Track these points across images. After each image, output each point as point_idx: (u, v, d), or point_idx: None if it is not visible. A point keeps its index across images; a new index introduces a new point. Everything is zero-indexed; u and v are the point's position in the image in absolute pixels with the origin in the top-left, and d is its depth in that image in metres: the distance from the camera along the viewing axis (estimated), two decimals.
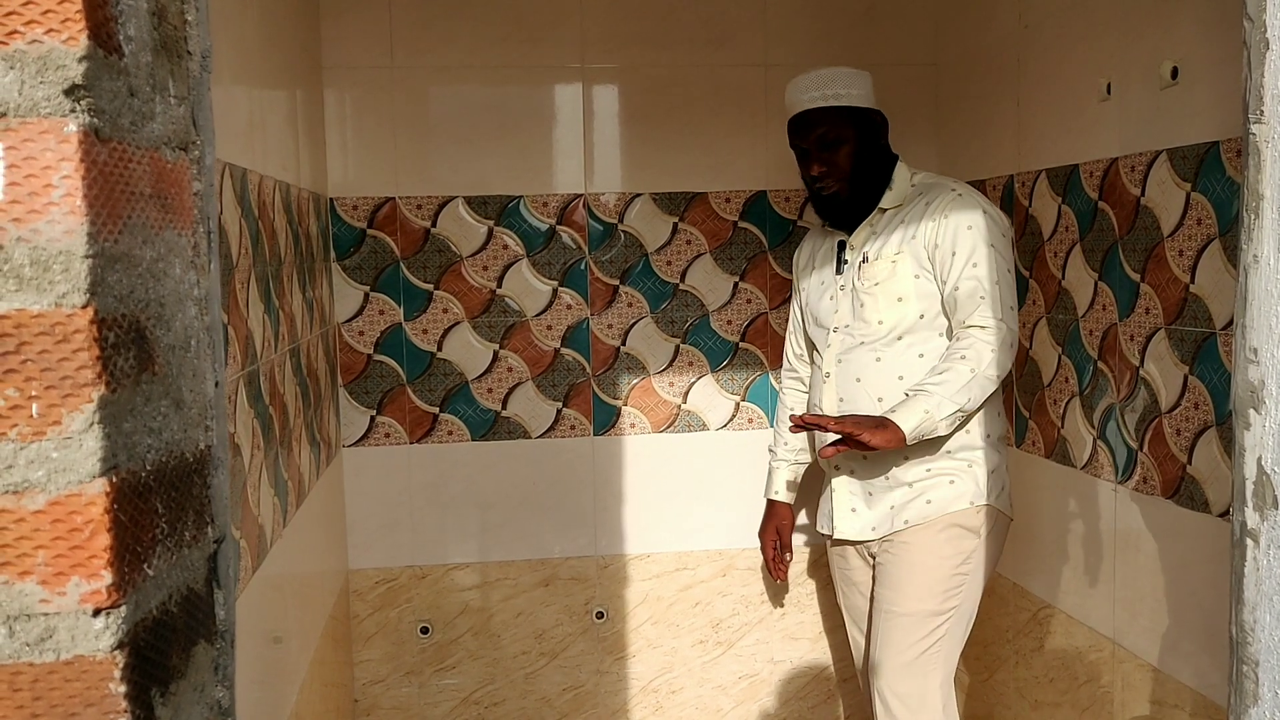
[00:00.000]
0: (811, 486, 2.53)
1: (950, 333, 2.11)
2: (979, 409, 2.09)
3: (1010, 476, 2.26)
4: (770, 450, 2.50)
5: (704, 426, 2.82)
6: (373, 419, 2.70)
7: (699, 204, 2.76)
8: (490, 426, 2.75)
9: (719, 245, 2.78)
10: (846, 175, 2.15)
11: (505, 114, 2.68)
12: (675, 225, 2.76)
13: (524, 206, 2.70)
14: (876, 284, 2.14)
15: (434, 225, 2.68)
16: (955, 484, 2.12)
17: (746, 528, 2.69)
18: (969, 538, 2.13)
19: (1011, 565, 2.48)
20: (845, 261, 2.22)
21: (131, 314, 0.58)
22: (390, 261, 2.67)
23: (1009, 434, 2.52)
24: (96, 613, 0.55)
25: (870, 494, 2.19)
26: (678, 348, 2.80)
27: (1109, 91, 2.10)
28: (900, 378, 2.11)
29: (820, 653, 2.91)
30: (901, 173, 2.20)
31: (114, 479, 0.55)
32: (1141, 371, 2.03)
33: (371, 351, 2.69)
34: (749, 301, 2.80)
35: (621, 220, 2.74)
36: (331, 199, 2.63)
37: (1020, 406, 2.50)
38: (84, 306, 0.54)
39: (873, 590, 2.25)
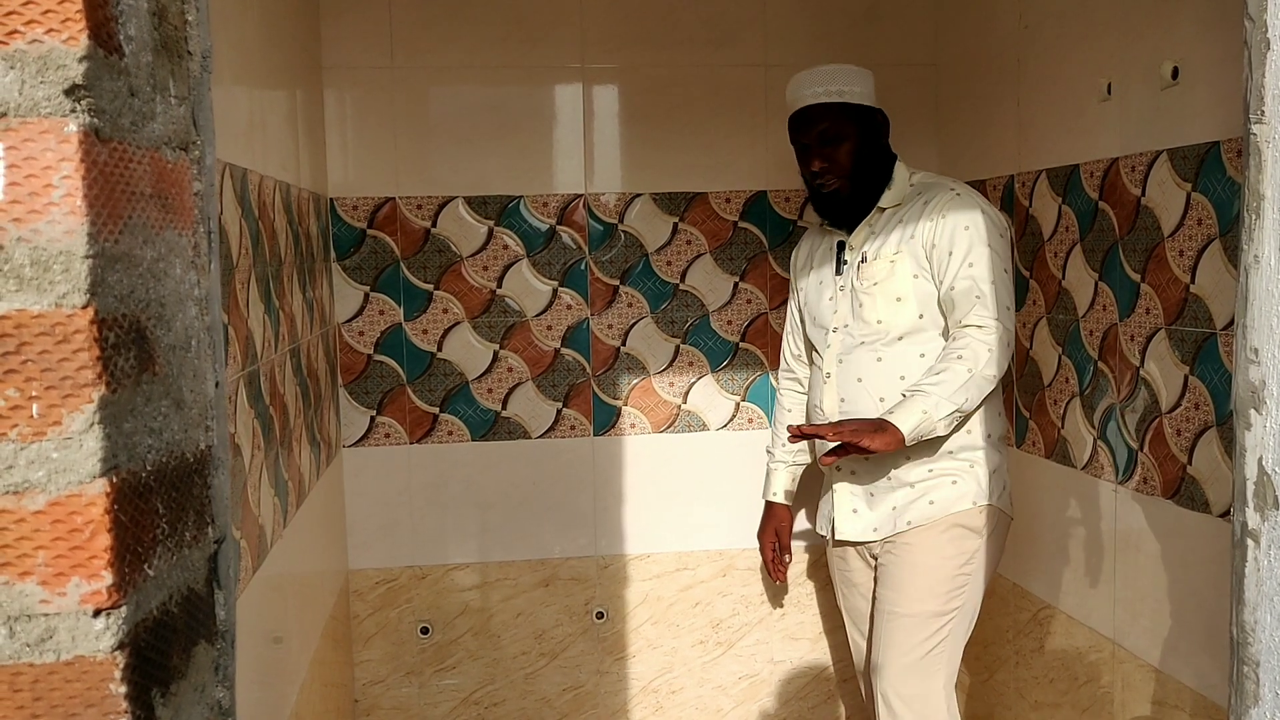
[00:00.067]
0: (811, 488, 2.53)
1: (949, 333, 2.11)
2: (977, 409, 2.09)
3: (1010, 477, 2.26)
4: (768, 452, 2.50)
5: (704, 427, 2.82)
6: (373, 419, 2.70)
7: (699, 204, 2.76)
8: (490, 427, 2.75)
9: (719, 245, 2.78)
10: (847, 172, 2.14)
11: (505, 114, 2.68)
12: (675, 225, 2.76)
13: (524, 206, 2.70)
14: (875, 284, 2.13)
15: (434, 225, 2.68)
16: (958, 484, 2.12)
17: (746, 528, 2.69)
18: (972, 538, 2.13)
19: (1012, 565, 2.48)
20: (844, 261, 2.22)
21: (132, 314, 0.58)
22: (390, 261, 2.67)
23: (1009, 434, 2.52)
24: (97, 613, 0.55)
25: (872, 495, 2.19)
26: (678, 348, 2.79)
27: (1109, 91, 2.10)
28: (902, 377, 2.11)
29: (820, 653, 2.91)
30: (900, 172, 2.20)
31: (114, 479, 0.55)
32: (1142, 372, 2.03)
33: (372, 352, 2.69)
34: (749, 302, 2.80)
35: (622, 220, 2.74)
36: (332, 199, 2.63)
37: (1020, 407, 2.50)
38: (84, 307, 0.54)
39: (874, 591, 2.25)
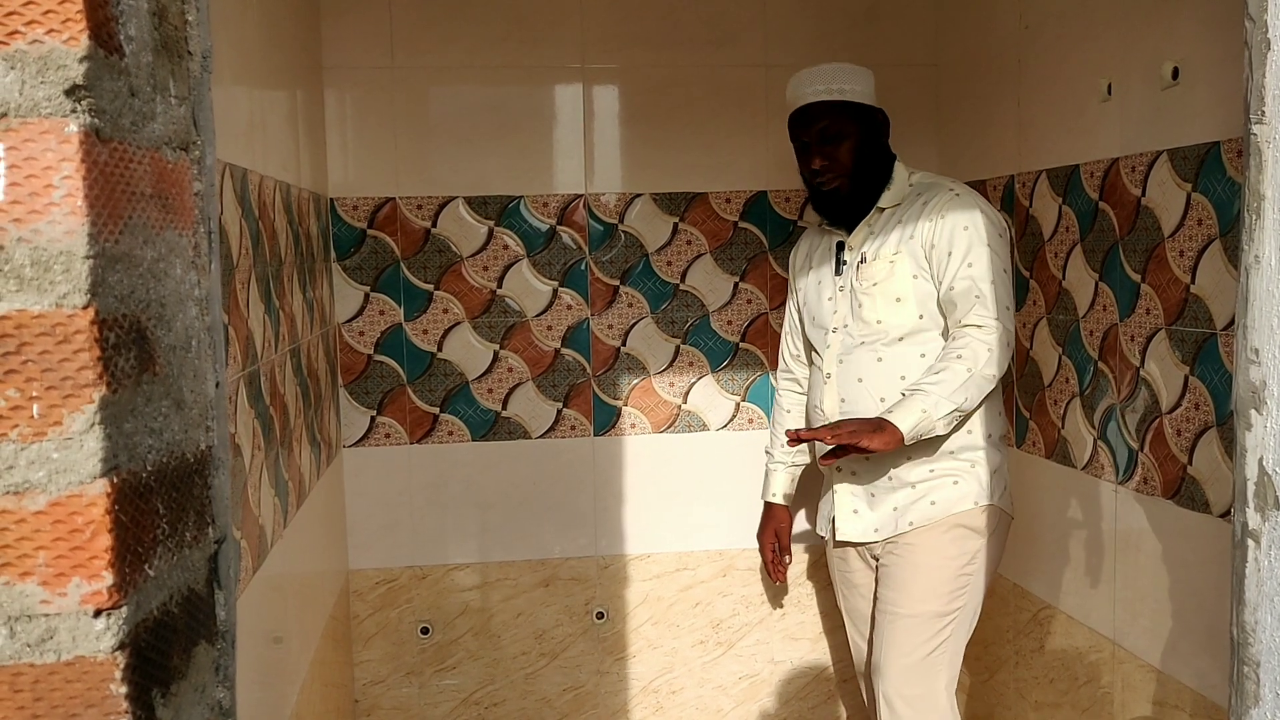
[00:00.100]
0: (810, 488, 2.53)
1: (949, 333, 2.11)
2: (977, 408, 2.09)
3: (1011, 477, 2.26)
4: (767, 452, 2.49)
5: (704, 427, 2.82)
6: (373, 419, 2.70)
7: (699, 204, 2.76)
8: (490, 427, 2.75)
9: (719, 245, 2.78)
10: (847, 171, 2.14)
11: (505, 114, 2.68)
12: (675, 225, 2.76)
13: (524, 207, 2.70)
14: (875, 284, 2.13)
15: (434, 225, 2.68)
16: (959, 484, 2.12)
17: (747, 528, 2.69)
18: (974, 538, 2.12)
19: (1012, 566, 2.48)
20: (844, 262, 2.21)
21: (132, 314, 0.58)
22: (390, 262, 2.67)
23: (1009, 434, 2.52)
24: (97, 613, 0.55)
25: (873, 495, 2.19)
26: (678, 348, 2.79)
27: (1110, 92, 2.10)
28: (902, 378, 2.10)
29: (821, 653, 2.91)
30: (899, 172, 2.20)
31: (115, 480, 0.55)
32: (1142, 372, 2.03)
33: (372, 352, 2.69)
34: (749, 302, 2.80)
35: (622, 220, 2.74)
36: (332, 199, 2.63)
37: (1021, 407, 2.50)
38: (85, 307, 0.54)
39: (875, 592, 2.24)
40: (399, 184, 2.65)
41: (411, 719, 2.77)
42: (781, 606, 2.89)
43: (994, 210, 2.13)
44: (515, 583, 2.78)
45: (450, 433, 2.73)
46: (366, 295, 2.67)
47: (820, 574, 2.84)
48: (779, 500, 2.46)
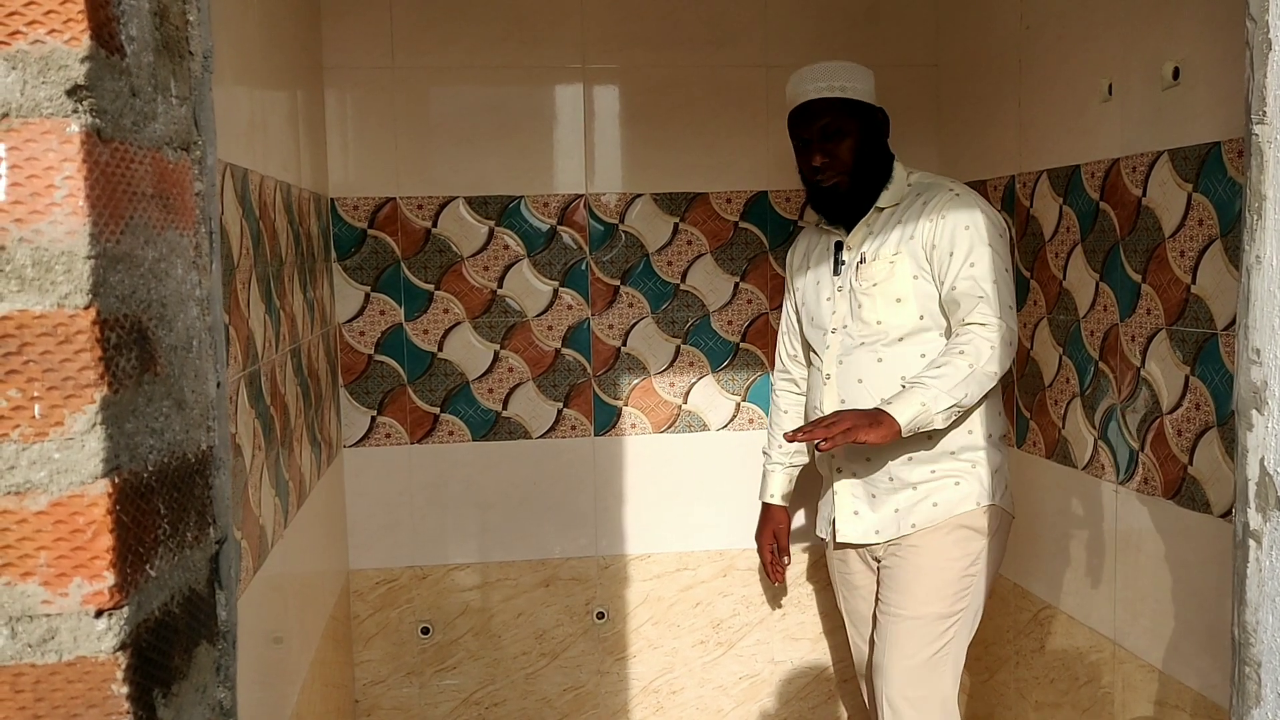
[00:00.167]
0: (810, 488, 2.53)
1: (950, 333, 2.10)
2: (976, 406, 2.09)
3: (1011, 477, 2.26)
4: (765, 453, 2.49)
5: (705, 427, 2.82)
6: (373, 419, 2.70)
7: (700, 204, 2.76)
8: (491, 427, 2.75)
9: (720, 245, 2.78)
10: (848, 168, 2.13)
11: (506, 114, 2.68)
12: (676, 225, 2.76)
13: (525, 207, 2.70)
14: (875, 284, 2.13)
15: (435, 225, 2.68)
16: (960, 485, 2.12)
17: (747, 528, 2.69)
18: (976, 539, 2.12)
19: (1012, 566, 2.47)
20: (842, 262, 2.21)
21: (133, 314, 0.58)
22: (391, 262, 2.67)
23: (1010, 434, 2.52)
24: (99, 614, 0.55)
25: (874, 496, 2.18)
26: (678, 348, 2.79)
27: (1110, 92, 2.10)
28: (902, 378, 2.10)
29: (821, 653, 2.91)
30: (899, 172, 2.19)
31: (116, 480, 0.55)
32: (1143, 372, 2.03)
33: (372, 352, 2.69)
34: (749, 302, 2.80)
35: (622, 220, 2.74)
36: (332, 199, 2.63)
37: (1021, 407, 2.50)
38: (86, 307, 0.54)
39: (876, 593, 2.24)
40: (399, 184, 2.65)
41: (412, 719, 2.77)
42: (782, 607, 2.89)
43: (993, 210, 2.13)
44: (516, 583, 2.78)
45: (451, 433, 2.73)
46: (367, 295, 2.67)
47: (820, 574, 2.84)
48: (777, 501, 2.46)
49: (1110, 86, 2.10)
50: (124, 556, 0.56)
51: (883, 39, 2.79)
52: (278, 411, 1.79)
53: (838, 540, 2.25)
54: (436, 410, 2.72)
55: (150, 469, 0.59)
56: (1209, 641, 1.87)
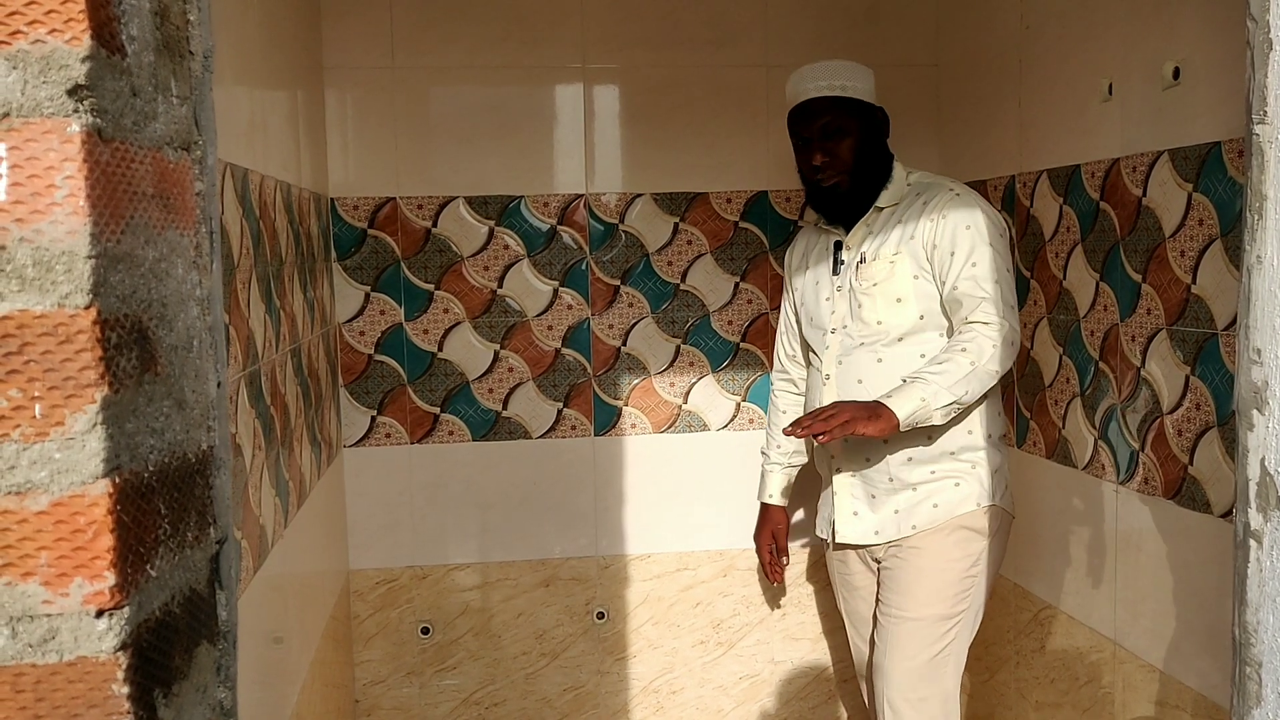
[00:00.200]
0: (809, 488, 2.53)
1: (951, 333, 2.10)
2: (976, 405, 2.08)
3: (1011, 477, 2.26)
4: (763, 453, 2.48)
5: (705, 427, 2.82)
6: (373, 419, 2.70)
7: (700, 204, 2.76)
8: (491, 427, 2.75)
9: (720, 245, 2.78)
10: (848, 168, 2.12)
11: (506, 114, 2.68)
12: (676, 225, 2.76)
13: (525, 207, 2.70)
14: (875, 284, 2.12)
15: (435, 225, 2.68)
16: (960, 486, 2.12)
17: (747, 528, 2.68)
18: (977, 540, 2.12)
19: (1013, 566, 2.47)
20: (841, 261, 2.20)
21: (134, 314, 0.58)
22: (391, 261, 2.67)
23: (1010, 433, 2.52)
24: (99, 614, 0.55)
25: (873, 496, 2.18)
26: (678, 348, 2.79)
27: (1111, 92, 2.10)
28: (902, 379, 2.10)
29: (821, 653, 2.91)
30: (898, 171, 2.19)
31: (117, 480, 0.55)
32: (1143, 372, 2.03)
33: (372, 352, 2.69)
34: (750, 302, 2.80)
35: (622, 220, 2.74)
36: (332, 199, 2.63)
37: (1021, 407, 2.50)
38: (87, 307, 0.53)
39: (876, 595, 2.24)
40: (399, 184, 2.65)
41: (412, 719, 2.77)
42: (782, 607, 2.89)
43: (994, 209, 2.13)
44: (516, 583, 2.78)
45: (451, 433, 2.73)
46: (367, 295, 2.67)
47: (820, 574, 2.84)
48: (775, 501, 2.45)
49: (1110, 86, 2.10)
50: (125, 556, 0.56)
51: (883, 39, 2.79)
52: (278, 411, 1.79)
53: (837, 541, 2.25)
54: (436, 410, 2.72)
55: (151, 469, 0.59)
56: (1209, 642, 1.87)
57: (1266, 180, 0.86)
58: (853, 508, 2.21)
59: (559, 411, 2.76)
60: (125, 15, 0.58)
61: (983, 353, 1.98)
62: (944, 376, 1.97)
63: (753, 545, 2.67)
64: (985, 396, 2.10)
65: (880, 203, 2.17)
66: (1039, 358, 2.41)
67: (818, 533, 2.37)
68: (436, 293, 2.69)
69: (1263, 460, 0.87)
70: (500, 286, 2.71)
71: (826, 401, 2.19)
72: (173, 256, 0.64)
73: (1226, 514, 1.81)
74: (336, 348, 2.66)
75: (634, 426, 2.79)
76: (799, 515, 2.75)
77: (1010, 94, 2.49)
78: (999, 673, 2.64)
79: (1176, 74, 1.89)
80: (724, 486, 2.80)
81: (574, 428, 2.77)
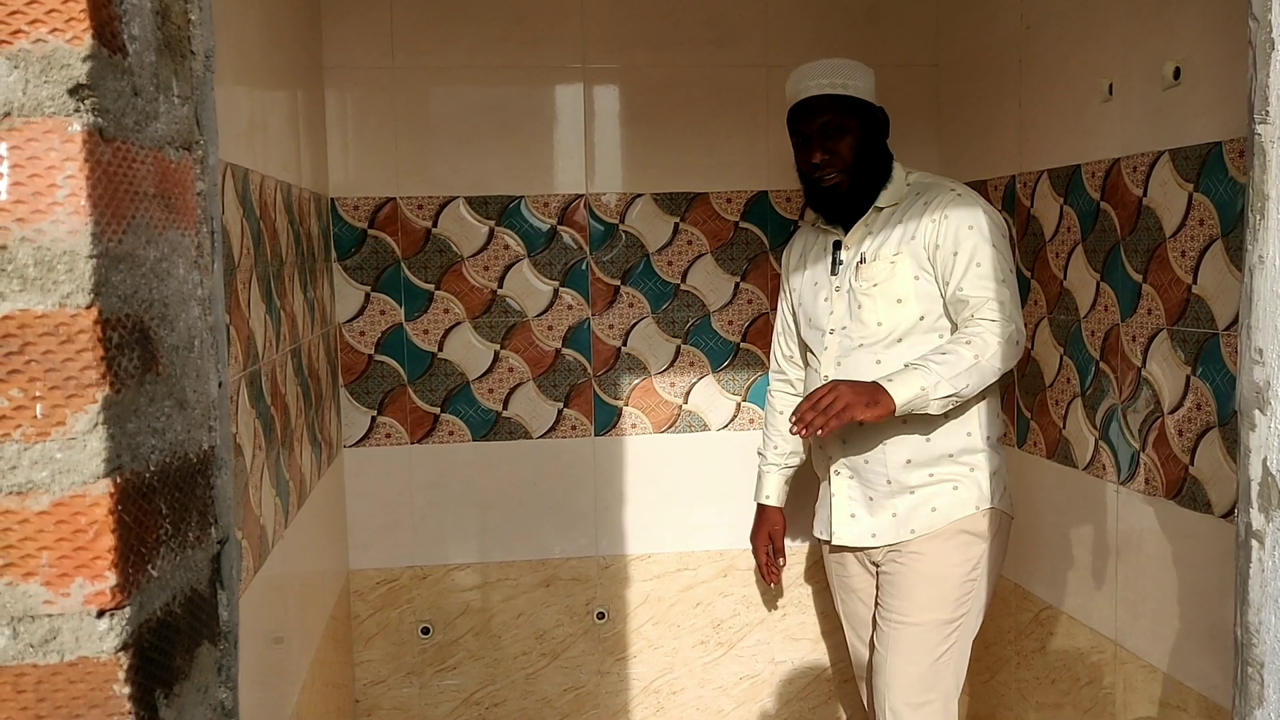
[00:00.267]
0: (808, 489, 2.53)
1: (953, 332, 2.10)
2: (974, 402, 2.08)
3: (1012, 477, 2.26)
4: (760, 454, 2.47)
5: (705, 427, 2.82)
6: (374, 419, 2.70)
7: (700, 204, 2.76)
8: (491, 427, 2.75)
9: (720, 245, 2.78)
10: (848, 166, 2.11)
11: (506, 114, 2.68)
12: (676, 225, 2.76)
13: (525, 207, 2.70)
14: (875, 285, 2.12)
15: (435, 225, 2.68)
16: (959, 490, 2.11)
17: (747, 528, 2.68)
18: (977, 543, 2.11)
19: (1013, 566, 2.47)
20: (840, 261, 2.20)
21: (135, 314, 0.58)
22: (391, 262, 2.67)
23: (1009, 434, 2.52)
24: (101, 614, 0.55)
25: (870, 499, 2.17)
26: (679, 348, 2.79)
27: (1111, 92, 2.10)
28: (905, 364, 2.08)
29: (821, 654, 2.91)
30: (897, 171, 2.18)
31: (118, 480, 0.55)
32: (1144, 372, 2.03)
33: (372, 352, 2.69)
34: (750, 302, 2.80)
35: (622, 220, 2.74)
36: (332, 199, 2.63)
37: (1022, 407, 2.50)
38: (88, 307, 0.53)
39: (875, 598, 2.23)
40: (399, 184, 2.65)
41: (412, 719, 2.77)
42: (782, 607, 2.89)
43: (994, 209, 2.13)
44: (516, 583, 2.78)
45: (451, 433, 2.73)
46: (367, 295, 2.67)
47: (820, 574, 2.84)
48: (772, 502, 2.44)
49: (1111, 86, 2.10)
50: (126, 557, 0.56)
51: (883, 39, 2.79)
52: (278, 411, 1.79)
53: (834, 544, 2.25)
54: (437, 410, 2.72)
55: (152, 469, 0.59)
56: (1211, 642, 1.87)
57: (1268, 180, 0.86)
58: (850, 510, 2.20)
59: (559, 411, 2.76)
60: (126, 15, 0.58)
61: (987, 348, 1.98)
62: (946, 367, 1.96)
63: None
64: (984, 396, 2.10)
65: (880, 203, 2.16)
66: (1040, 358, 2.41)
67: (815, 533, 2.36)
68: (437, 293, 2.69)
69: (1264, 460, 0.87)
70: (500, 286, 2.71)
71: None
72: (174, 256, 0.64)
73: (1228, 514, 1.81)
74: (337, 348, 2.66)
75: (634, 426, 2.79)
76: (799, 516, 2.75)
77: (1010, 94, 2.49)
78: (1000, 673, 2.64)
79: (1177, 74, 1.89)
80: (724, 486, 2.80)
81: (574, 428, 2.77)
